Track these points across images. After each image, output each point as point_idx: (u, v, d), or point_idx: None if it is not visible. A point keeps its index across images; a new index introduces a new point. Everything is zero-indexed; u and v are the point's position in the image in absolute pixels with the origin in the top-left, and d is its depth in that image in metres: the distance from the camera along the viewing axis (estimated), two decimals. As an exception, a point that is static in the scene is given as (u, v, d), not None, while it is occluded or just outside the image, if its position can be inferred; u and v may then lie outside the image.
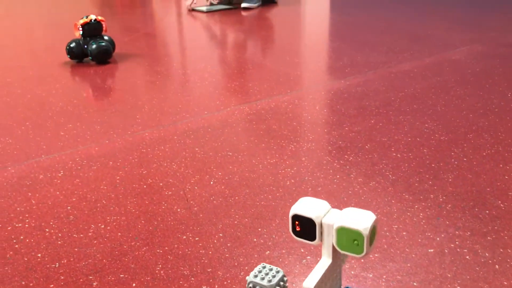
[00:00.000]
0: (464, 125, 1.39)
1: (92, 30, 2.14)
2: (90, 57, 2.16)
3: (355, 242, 0.53)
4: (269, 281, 0.59)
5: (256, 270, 0.61)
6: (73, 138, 1.37)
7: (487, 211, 0.97)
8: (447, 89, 1.69)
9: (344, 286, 0.69)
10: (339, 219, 0.54)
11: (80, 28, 2.12)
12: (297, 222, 0.56)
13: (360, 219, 0.53)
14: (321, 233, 0.55)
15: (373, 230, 0.53)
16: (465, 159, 1.19)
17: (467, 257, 0.84)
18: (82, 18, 2.13)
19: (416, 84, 1.75)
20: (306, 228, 0.56)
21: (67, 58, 2.28)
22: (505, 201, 1.00)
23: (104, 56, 2.14)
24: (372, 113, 1.49)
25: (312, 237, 0.56)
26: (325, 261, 0.56)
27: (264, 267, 0.61)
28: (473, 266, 0.81)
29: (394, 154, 1.22)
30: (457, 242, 0.88)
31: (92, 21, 2.12)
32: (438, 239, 0.89)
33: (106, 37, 2.22)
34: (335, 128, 1.39)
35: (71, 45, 2.15)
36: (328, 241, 0.55)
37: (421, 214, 0.96)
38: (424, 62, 2.03)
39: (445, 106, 1.53)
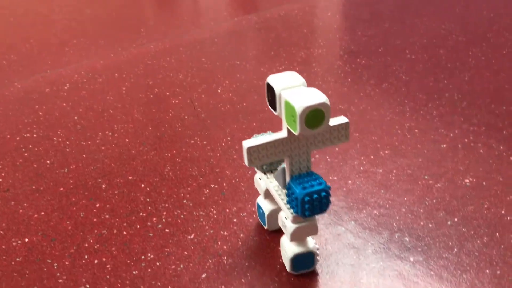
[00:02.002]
0: (484, 25, 1.31)
1: None
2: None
3: (293, 118, 0.51)
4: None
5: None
6: (78, 53, 1.34)
7: (504, 107, 0.93)
8: (467, -10, 1.59)
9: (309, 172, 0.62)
10: (290, 93, 0.51)
11: None
12: (269, 92, 0.55)
13: (305, 98, 0.50)
14: (280, 105, 0.53)
15: (316, 114, 0.50)
16: (483, 58, 1.13)
17: (481, 151, 0.81)
18: None
19: (434, -13, 1.65)
20: (273, 98, 0.54)
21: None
22: (523, 96, 0.96)
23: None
24: (387, 17, 1.42)
25: (275, 108, 0.54)
26: (279, 134, 0.55)
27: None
28: (486, 159, 0.79)
29: (409, 56, 1.17)
30: (471, 137, 0.85)
31: None
32: (451, 135, 0.86)
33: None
34: (347, 33, 1.33)
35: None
36: (282, 113, 0.54)
37: (435, 112, 0.93)
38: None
39: (465, 7, 1.45)
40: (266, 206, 0.66)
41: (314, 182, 0.54)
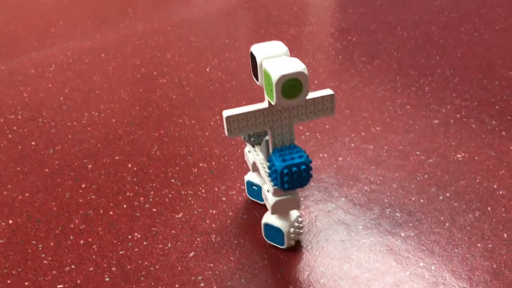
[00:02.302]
0: (476, 1, 1.30)
1: None
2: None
3: (270, 88, 0.49)
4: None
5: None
6: (64, 34, 1.31)
7: (497, 82, 0.92)
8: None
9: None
10: (270, 62, 0.50)
11: None
12: (252, 61, 0.53)
13: (282, 67, 0.48)
14: (261, 74, 0.52)
15: (294, 84, 0.48)
16: (475, 34, 1.12)
17: (473, 125, 0.80)
18: None
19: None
20: (255, 67, 0.53)
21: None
22: (516, 71, 0.95)
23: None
24: (378, -5, 1.40)
25: (258, 77, 0.53)
26: (260, 104, 0.54)
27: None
28: (478, 134, 0.78)
29: (400, 33, 1.15)
30: (463, 113, 0.84)
31: None
32: (443, 110, 0.85)
33: None
34: (339, 11, 1.31)
35: None
36: (262, 83, 0.52)
37: (427, 88, 0.92)
38: None
39: (457, -17, 1.43)
40: (261, 181, 0.65)
41: (295, 155, 0.53)
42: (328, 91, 0.55)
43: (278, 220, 0.58)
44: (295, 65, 0.49)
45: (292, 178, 0.53)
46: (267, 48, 0.53)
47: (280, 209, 0.56)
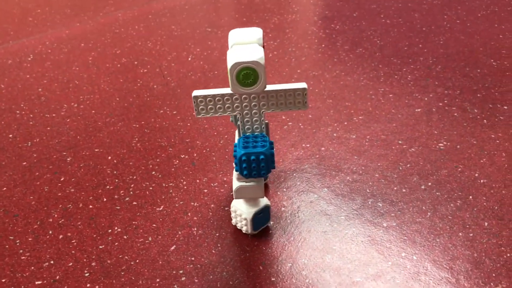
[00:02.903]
0: (459, -12, 1.29)
1: None
2: None
3: (228, 73, 0.50)
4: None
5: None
6: (42, 22, 1.28)
7: (479, 70, 0.92)
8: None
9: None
10: (235, 48, 0.50)
11: None
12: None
13: (240, 55, 0.49)
14: None
15: (248, 72, 0.49)
16: (458, 21, 1.11)
17: (455, 114, 0.80)
18: None
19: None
20: None
21: None
22: (497, 59, 0.95)
23: None
24: (361, -18, 1.38)
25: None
26: (227, 89, 0.55)
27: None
28: (461, 122, 0.78)
29: (383, 20, 1.15)
30: (445, 101, 0.84)
31: None
32: (426, 99, 0.85)
33: None
34: (321, -1, 1.30)
35: None
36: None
37: (409, 77, 0.92)
38: None
39: (440, -30, 1.42)
40: None
41: (258, 144, 0.53)
42: (301, 85, 0.55)
43: (256, 204, 0.59)
44: (253, 54, 0.49)
45: (250, 166, 0.53)
46: (242, 34, 0.53)
47: (242, 195, 0.57)
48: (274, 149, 0.73)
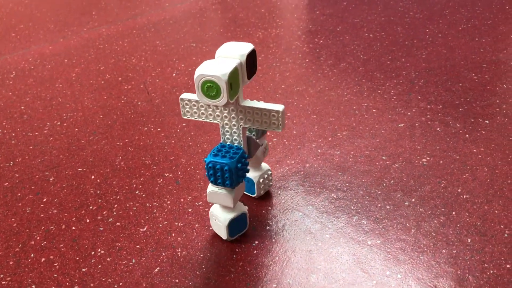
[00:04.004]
0: (441, 1, 1.31)
1: None
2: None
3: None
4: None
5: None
6: (25, 38, 1.28)
7: (460, 84, 0.93)
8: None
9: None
10: (213, 61, 0.53)
11: None
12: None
13: (209, 68, 0.52)
14: None
15: (211, 85, 0.52)
16: (440, 35, 1.13)
17: (438, 129, 0.81)
18: None
19: (391, -36, 1.64)
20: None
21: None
22: (478, 73, 0.96)
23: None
24: (345, -5, 1.40)
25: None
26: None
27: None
28: (443, 137, 0.79)
29: (367, 34, 1.16)
30: (428, 116, 0.85)
31: None
32: (409, 113, 0.86)
33: None
34: (306, 13, 1.31)
35: None
36: None
37: (392, 91, 0.92)
38: None
39: (422, -17, 1.44)
40: (253, 174, 0.67)
41: (228, 155, 0.56)
42: (277, 106, 0.56)
43: (233, 211, 0.61)
44: (220, 69, 0.52)
45: (216, 175, 0.56)
46: (230, 48, 0.55)
47: (214, 200, 0.59)
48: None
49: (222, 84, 0.51)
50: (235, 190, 0.58)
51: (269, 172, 0.68)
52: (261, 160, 0.66)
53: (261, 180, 0.67)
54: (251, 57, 0.56)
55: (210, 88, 0.52)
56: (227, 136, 0.59)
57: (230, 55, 0.54)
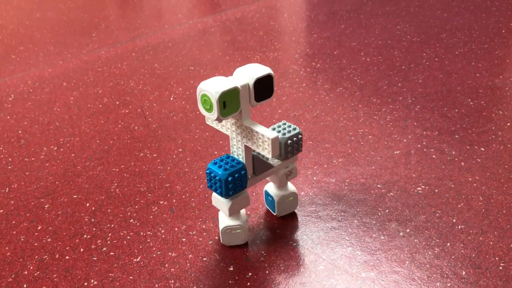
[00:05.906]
0: (438, 24, 1.32)
1: None
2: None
3: None
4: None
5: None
6: (25, 60, 1.28)
7: (456, 110, 0.93)
8: (422, -11, 1.60)
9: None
10: (222, 78, 0.58)
11: None
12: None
13: (212, 84, 0.56)
14: None
15: (206, 99, 0.56)
16: (436, 59, 1.14)
17: (434, 156, 0.81)
18: None
19: (389, -14, 1.66)
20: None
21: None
22: (475, 99, 0.96)
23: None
24: (343, 18, 1.41)
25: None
26: None
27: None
28: (439, 165, 0.79)
29: (364, 58, 1.17)
30: (424, 143, 0.85)
31: None
32: (405, 140, 0.86)
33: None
34: (303, 36, 1.32)
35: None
36: None
37: (388, 117, 0.93)
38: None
39: (419, 7, 1.45)
40: (275, 192, 0.69)
41: (228, 166, 0.60)
42: (270, 134, 0.57)
43: (232, 219, 0.64)
44: (217, 86, 0.56)
45: (211, 182, 0.61)
46: (247, 69, 0.60)
47: (215, 203, 0.64)
48: (251, 187, 0.73)
49: (213, 100, 0.56)
50: (234, 200, 0.62)
51: (294, 194, 0.69)
52: (283, 181, 0.68)
53: (281, 200, 0.68)
54: (263, 81, 0.59)
55: (205, 102, 0.57)
56: (234, 149, 0.63)
57: (242, 76, 0.59)
